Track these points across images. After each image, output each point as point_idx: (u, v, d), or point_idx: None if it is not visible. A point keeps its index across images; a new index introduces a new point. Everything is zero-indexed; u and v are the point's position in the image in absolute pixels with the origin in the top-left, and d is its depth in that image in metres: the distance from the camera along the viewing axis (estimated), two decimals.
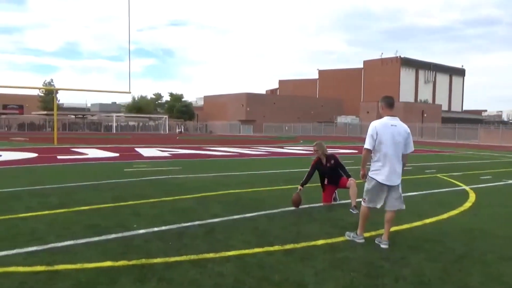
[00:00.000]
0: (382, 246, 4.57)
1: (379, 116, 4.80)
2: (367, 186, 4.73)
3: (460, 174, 11.78)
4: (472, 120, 76.20)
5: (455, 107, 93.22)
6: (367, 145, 4.60)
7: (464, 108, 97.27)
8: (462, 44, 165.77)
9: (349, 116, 70.12)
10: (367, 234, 4.96)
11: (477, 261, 4.21)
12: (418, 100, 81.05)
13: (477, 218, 6.20)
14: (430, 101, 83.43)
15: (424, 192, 8.50)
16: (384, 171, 4.56)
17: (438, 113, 66.70)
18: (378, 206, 4.70)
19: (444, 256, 4.33)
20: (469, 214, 6.46)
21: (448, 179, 10.67)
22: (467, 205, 7.15)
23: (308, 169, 6.94)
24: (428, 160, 17.30)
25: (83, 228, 5.05)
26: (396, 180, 4.60)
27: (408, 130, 4.65)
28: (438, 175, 11.52)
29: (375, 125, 4.61)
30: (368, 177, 4.71)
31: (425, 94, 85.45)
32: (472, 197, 7.94)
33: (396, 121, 4.62)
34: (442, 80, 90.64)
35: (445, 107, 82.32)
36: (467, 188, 9.09)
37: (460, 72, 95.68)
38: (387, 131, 4.54)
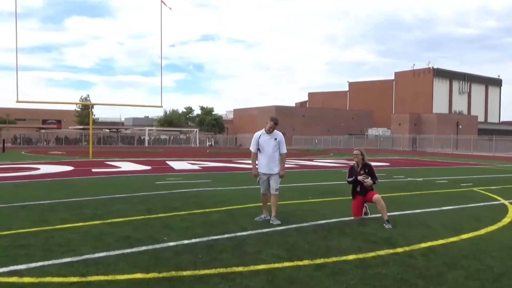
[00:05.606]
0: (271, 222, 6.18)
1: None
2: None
3: (498, 188, 11.32)
4: (510, 131, 73.26)
5: (492, 118, 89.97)
6: (252, 148, 6.52)
7: (502, 119, 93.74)
8: (499, 53, 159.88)
9: (380, 128, 68.89)
10: (400, 250, 4.87)
11: None
12: (453, 111, 78.80)
13: None
14: (465, 112, 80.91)
15: (460, 206, 8.20)
16: (264, 165, 6.39)
17: (474, 125, 64.62)
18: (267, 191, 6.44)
19: (482, 273, 4.15)
20: (508, 229, 6.18)
21: (486, 192, 10.27)
22: (506, 220, 6.84)
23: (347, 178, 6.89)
24: (464, 173, 16.74)
25: (115, 240, 5.15)
26: (274, 170, 6.38)
27: (279, 138, 6.42)
28: (475, 188, 11.11)
29: (257, 135, 6.53)
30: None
31: (459, 105, 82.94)
32: None
33: (274, 132, 6.44)
34: (478, 90, 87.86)
35: (481, 118, 79.58)
36: (506, 202, 8.71)
37: (497, 82, 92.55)
38: (266, 139, 6.41)
